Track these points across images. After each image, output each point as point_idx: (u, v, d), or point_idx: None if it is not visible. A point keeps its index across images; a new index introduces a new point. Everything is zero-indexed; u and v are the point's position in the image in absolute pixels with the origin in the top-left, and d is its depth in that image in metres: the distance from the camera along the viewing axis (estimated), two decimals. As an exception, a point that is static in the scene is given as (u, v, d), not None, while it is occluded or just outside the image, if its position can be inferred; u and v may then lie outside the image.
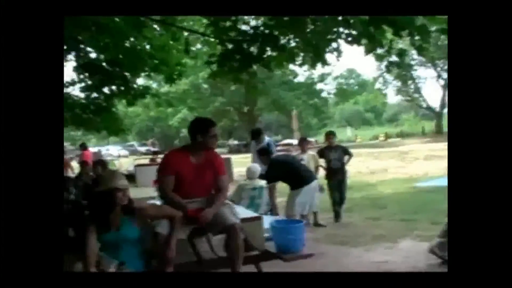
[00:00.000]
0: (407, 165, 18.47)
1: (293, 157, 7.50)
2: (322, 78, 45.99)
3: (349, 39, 4.69)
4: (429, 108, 47.32)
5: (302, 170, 6.65)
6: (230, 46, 4.98)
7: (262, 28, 4.74)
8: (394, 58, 5.84)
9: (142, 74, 8.84)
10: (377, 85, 49.73)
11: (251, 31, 4.73)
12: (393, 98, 55.07)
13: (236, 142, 46.56)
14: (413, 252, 5.85)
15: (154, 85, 38.33)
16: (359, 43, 4.73)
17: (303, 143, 8.35)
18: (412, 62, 45.13)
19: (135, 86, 9.04)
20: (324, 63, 5.26)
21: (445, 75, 45.33)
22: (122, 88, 8.67)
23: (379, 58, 4.85)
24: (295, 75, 45.85)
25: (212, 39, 6.26)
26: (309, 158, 8.02)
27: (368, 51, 4.85)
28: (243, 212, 4.50)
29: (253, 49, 4.96)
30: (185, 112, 42.97)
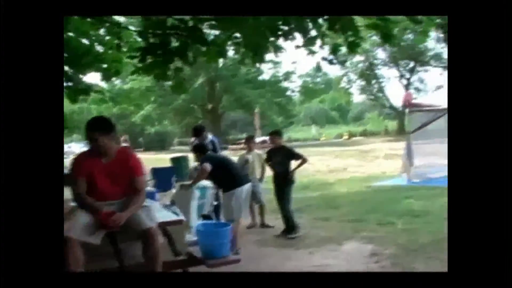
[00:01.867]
0: (366, 164, 18.48)
1: (227, 157, 7.00)
2: (288, 76, 46.03)
3: (285, 34, 4.51)
4: (392, 107, 47.79)
5: (235, 171, 6.29)
6: (153, 40, 4.74)
7: (191, 22, 4.49)
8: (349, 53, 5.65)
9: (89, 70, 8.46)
10: (342, 84, 49.99)
11: (177, 24, 4.48)
12: (358, 97, 55.37)
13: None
14: (355, 255, 5.72)
15: (117, 82, 38.07)
16: (292, 39, 4.57)
17: (250, 142, 8.04)
18: (376, 62, 45.56)
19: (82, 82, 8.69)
20: (262, 61, 5.06)
21: (407, 75, 45.90)
22: (70, 84, 8.31)
23: (311, 53, 4.66)
24: (260, 73, 45.78)
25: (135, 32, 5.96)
26: (254, 157, 7.79)
27: (303, 46, 4.67)
28: (164, 215, 4.25)
29: (177, 43, 4.72)
30: (148, 109, 42.42)
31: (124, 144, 20.86)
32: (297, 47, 4.72)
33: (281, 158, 7.14)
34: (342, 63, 37.43)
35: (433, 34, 37.48)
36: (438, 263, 5.11)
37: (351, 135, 47.20)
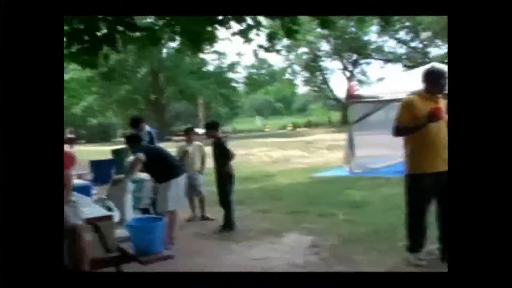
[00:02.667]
0: (310, 155, 18.56)
1: (161, 148, 6.72)
2: (232, 67, 45.87)
3: (221, 22, 4.36)
4: (335, 99, 48.47)
5: (171, 162, 6.07)
6: (78, 25, 4.46)
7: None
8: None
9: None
10: (286, 75, 50.29)
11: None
12: (302, 88, 55.94)
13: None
14: (295, 247, 5.64)
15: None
16: (228, 28, 4.44)
17: (189, 133, 7.83)
18: (320, 54, 46.04)
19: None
20: (200, 50, 4.90)
21: (350, 67, 46.64)
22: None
23: (248, 40, 4.53)
24: (205, 63, 45.41)
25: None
26: (194, 149, 7.60)
27: (239, 34, 4.54)
28: (94, 210, 4.03)
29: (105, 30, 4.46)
30: (90, 100, 41.32)
31: (69, 136, 20.23)
32: (233, 34, 4.58)
33: (218, 151, 6.92)
34: (278, 51, 37.53)
35: (375, 27, 38.26)
36: (376, 253, 5.10)
37: (295, 126, 47.56)
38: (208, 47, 37.11)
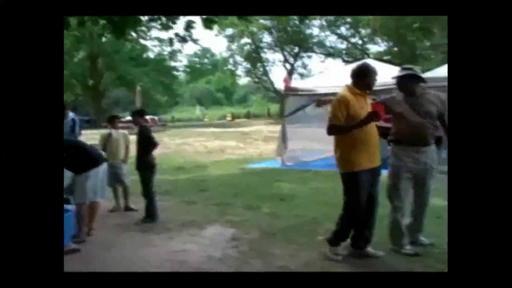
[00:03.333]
0: (245, 146, 18.55)
1: (76, 140, 6.42)
2: (173, 55, 45.24)
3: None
4: (275, 91, 48.71)
5: (87, 152, 5.81)
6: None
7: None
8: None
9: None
10: (228, 66, 50.05)
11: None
12: (244, 79, 55.84)
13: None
14: (216, 239, 5.55)
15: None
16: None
17: (113, 121, 7.59)
18: (262, 45, 46.08)
19: None
20: (123, 34, 4.70)
21: (291, 60, 46.95)
22: None
23: (166, 27, 4.39)
24: (145, 50, 44.55)
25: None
26: (119, 137, 7.37)
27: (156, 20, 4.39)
28: None
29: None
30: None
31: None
32: (150, 20, 4.43)
33: (141, 139, 6.71)
34: (195, 41, 37.08)
35: (317, 22, 38.67)
36: (295, 247, 5.08)
37: (234, 116, 47.51)
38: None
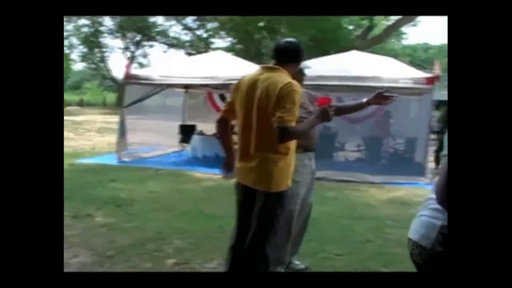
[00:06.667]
0: (76, 137, 16.69)
1: None
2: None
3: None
4: (113, 79, 46.21)
5: None
6: None
7: None
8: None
9: None
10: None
11: None
12: (79, 64, 52.05)
13: None
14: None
15: None
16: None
17: None
18: (102, 29, 43.31)
19: None
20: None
21: (132, 48, 44.98)
22: None
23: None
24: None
25: None
26: None
27: None
28: None
29: None
30: None
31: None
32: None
33: None
34: None
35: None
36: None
37: (66, 104, 44.03)
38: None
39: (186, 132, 12.90)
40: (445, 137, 2.18)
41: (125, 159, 10.76)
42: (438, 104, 10.61)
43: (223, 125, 3.63)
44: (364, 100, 3.98)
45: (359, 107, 4.09)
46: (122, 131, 11.04)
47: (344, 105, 4.36)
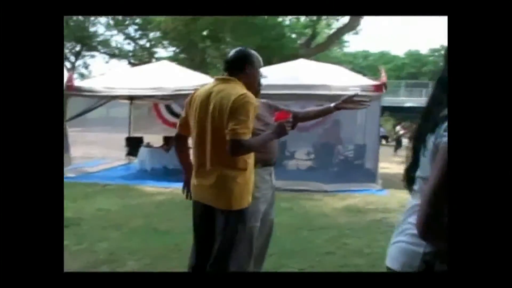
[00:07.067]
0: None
1: None
2: None
3: None
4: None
5: None
6: None
7: None
8: None
9: None
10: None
11: None
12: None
13: None
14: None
15: None
16: None
17: None
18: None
19: None
20: None
21: (72, 58, 43.89)
22: None
23: None
24: None
25: None
26: None
27: None
28: None
29: None
30: None
31: None
32: None
33: None
34: None
35: (104, 19, 36.59)
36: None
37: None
38: None
39: (133, 144, 12.59)
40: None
41: (70, 175, 10.31)
42: (382, 110, 10.77)
43: (180, 142, 3.47)
44: (332, 104, 3.85)
45: (327, 111, 3.96)
46: (65, 146, 10.60)
47: (309, 111, 4.20)
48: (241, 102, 2.98)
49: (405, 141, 30.61)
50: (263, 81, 3.82)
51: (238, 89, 3.09)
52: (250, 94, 3.07)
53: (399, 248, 2.11)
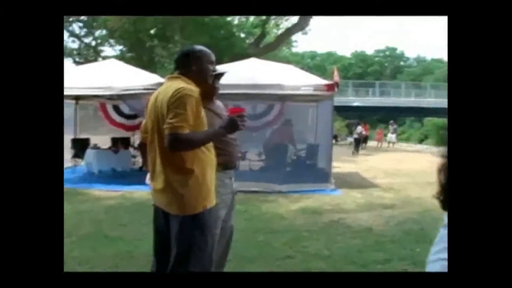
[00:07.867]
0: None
1: None
2: None
3: None
4: None
5: None
6: None
7: None
8: None
9: None
10: None
11: None
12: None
13: None
14: None
15: None
16: None
17: None
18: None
19: None
20: None
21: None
22: None
23: None
24: None
25: None
26: None
27: None
28: None
29: None
30: None
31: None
32: None
33: None
34: None
35: None
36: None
37: None
38: None
39: (79, 146, 12.18)
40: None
41: None
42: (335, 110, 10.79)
43: (144, 148, 3.29)
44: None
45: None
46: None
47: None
48: (178, 95, 2.84)
49: (372, 143, 31.03)
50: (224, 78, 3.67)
51: (180, 84, 2.96)
52: (189, 87, 2.93)
53: (444, 267, 1.89)
